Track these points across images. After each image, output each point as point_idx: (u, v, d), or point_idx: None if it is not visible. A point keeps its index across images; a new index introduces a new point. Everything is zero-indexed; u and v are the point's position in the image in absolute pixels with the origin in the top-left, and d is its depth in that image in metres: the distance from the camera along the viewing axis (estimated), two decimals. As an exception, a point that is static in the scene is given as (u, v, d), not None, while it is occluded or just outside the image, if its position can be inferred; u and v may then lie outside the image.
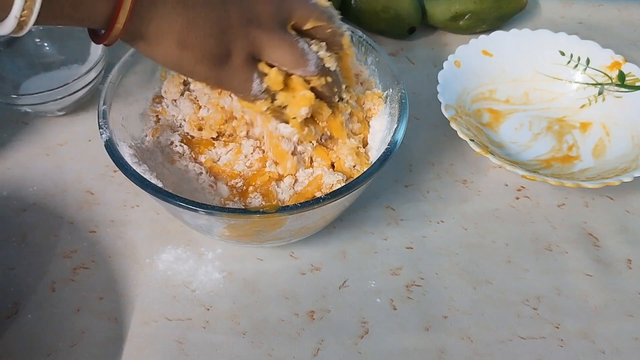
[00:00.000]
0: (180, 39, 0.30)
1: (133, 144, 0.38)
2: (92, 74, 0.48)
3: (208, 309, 0.39)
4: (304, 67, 0.34)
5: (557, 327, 0.39)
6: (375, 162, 0.35)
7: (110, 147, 0.35)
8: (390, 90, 0.41)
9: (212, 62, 0.32)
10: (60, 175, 0.47)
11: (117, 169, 0.34)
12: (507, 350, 0.38)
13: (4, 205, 0.44)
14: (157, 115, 0.42)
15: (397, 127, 0.37)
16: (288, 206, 0.32)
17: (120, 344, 0.37)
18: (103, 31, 0.29)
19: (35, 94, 0.46)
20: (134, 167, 0.34)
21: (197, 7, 0.30)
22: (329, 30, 0.36)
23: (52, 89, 0.46)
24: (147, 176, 0.34)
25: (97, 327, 0.38)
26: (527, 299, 0.41)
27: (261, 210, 0.32)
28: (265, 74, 0.34)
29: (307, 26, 0.35)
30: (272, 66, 0.34)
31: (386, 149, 0.36)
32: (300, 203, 0.32)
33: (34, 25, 0.26)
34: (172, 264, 0.41)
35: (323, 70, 0.35)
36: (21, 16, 0.25)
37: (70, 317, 0.38)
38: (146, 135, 0.40)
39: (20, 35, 0.26)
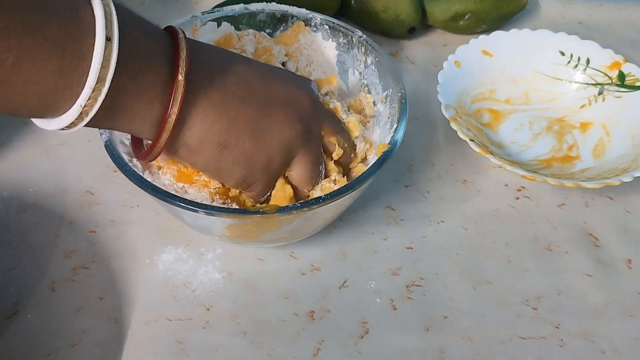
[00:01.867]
0: (221, 141, 0.31)
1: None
2: (92, 74, 0.48)
3: (208, 309, 0.39)
4: (309, 187, 0.36)
5: (557, 327, 0.39)
6: (375, 163, 0.35)
7: (110, 148, 0.35)
8: (390, 90, 0.41)
9: (249, 165, 0.32)
10: (60, 175, 0.47)
11: (117, 169, 0.34)
12: (507, 350, 0.38)
13: (4, 205, 0.44)
14: None
15: (397, 127, 0.37)
16: (288, 206, 0.32)
17: (120, 344, 0.37)
18: (149, 143, 0.30)
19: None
20: (134, 167, 0.34)
21: (237, 107, 0.31)
22: (346, 148, 0.38)
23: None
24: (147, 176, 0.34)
25: (97, 327, 0.38)
26: (527, 299, 0.41)
27: (261, 210, 0.32)
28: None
29: (332, 141, 0.37)
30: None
31: (386, 149, 0.36)
32: (300, 203, 0.32)
33: (86, 125, 0.26)
34: (172, 264, 0.41)
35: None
36: (85, 105, 0.25)
37: (70, 317, 0.38)
38: None
39: (72, 131, 0.26)
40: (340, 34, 0.44)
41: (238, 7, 0.44)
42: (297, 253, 0.42)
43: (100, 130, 0.35)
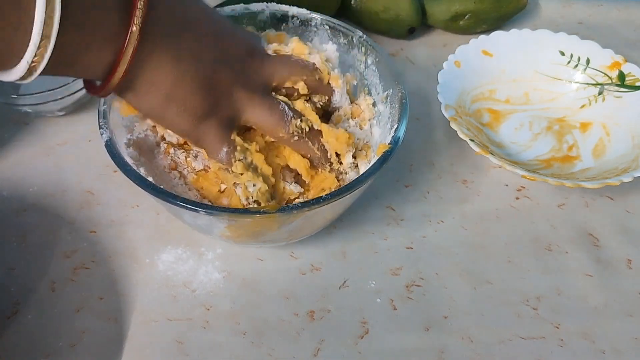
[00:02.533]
0: (168, 93, 0.31)
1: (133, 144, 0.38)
2: (92, 74, 0.48)
3: (208, 309, 0.39)
4: (281, 130, 0.36)
5: (557, 327, 0.39)
6: (375, 163, 0.35)
7: (111, 148, 0.35)
8: (391, 90, 0.41)
9: (192, 118, 0.33)
10: (60, 175, 0.47)
11: (117, 169, 0.34)
12: (507, 350, 0.38)
13: (4, 205, 0.44)
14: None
15: (397, 127, 0.37)
16: (288, 206, 0.32)
17: (120, 344, 0.37)
18: (99, 83, 0.30)
19: (35, 94, 0.46)
20: (134, 167, 0.34)
21: (188, 63, 0.31)
22: (314, 81, 0.39)
23: (52, 89, 0.46)
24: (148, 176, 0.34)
25: (97, 327, 0.38)
26: (527, 299, 0.41)
27: (262, 210, 0.32)
28: (234, 141, 0.35)
29: (288, 84, 0.37)
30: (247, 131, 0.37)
31: (386, 149, 0.36)
32: (300, 203, 0.32)
33: (40, 74, 0.26)
34: (172, 264, 0.41)
35: (302, 136, 0.37)
36: (32, 62, 0.25)
37: (70, 317, 0.38)
38: (146, 136, 0.40)
39: (27, 81, 0.26)
40: (341, 34, 0.44)
41: (239, 7, 0.44)
42: (297, 253, 0.42)
43: (101, 130, 0.35)
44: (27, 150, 0.48)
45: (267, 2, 0.45)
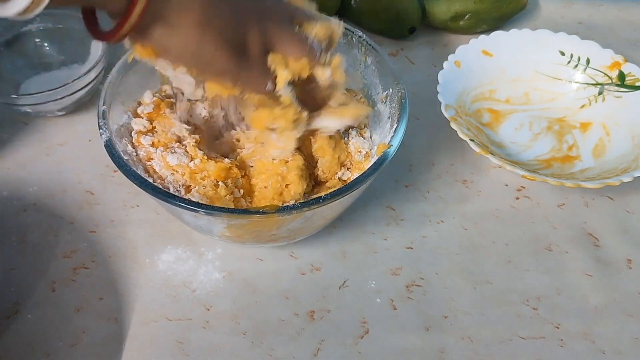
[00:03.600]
0: (202, 18, 0.27)
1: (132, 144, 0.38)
2: (92, 74, 0.48)
3: (208, 309, 0.39)
4: (312, 58, 0.34)
5: (557, 327, 0.39)
6: (375, 163, 0.35)
7: (110, 148, 0.35)
8: (390, 90, 0.41)
9: (231, 50, 0.29)
10: (60, 175, 0.47)
11: (117, 169, 0.34)
12: (507, 350, 0.38)
13: (4, 205, 0.44)
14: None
15: (397, 128, 0.37)
16: (288, 206, 0.32)
17: (120, 344, 0.37)
18: (119, 19, 0.26)
19: (35, 94, 0.46)
20: (134, 167, 0.34)
21: None
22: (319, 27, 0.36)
23: (52, 89, 0.46)
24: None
25: (97, 327, 0.38)
26: (527, 299, 0.41)
27: (261, 210, 0.32)
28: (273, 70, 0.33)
29: (307, 27, 0.35)
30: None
31: (386, 149, 0.36)
32: (300, 203, 0.32)
33: (47, 5, 0.23)
34: (172, 264, 0.41)
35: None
36: None
37: (70, 317, 0.38)
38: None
39: (32, 15, 0.23)
40: None
41: None
42: (297, 253, 0.42)
43: (100, 130, 0.35)
44: (27, 150, 0.48)
45: None
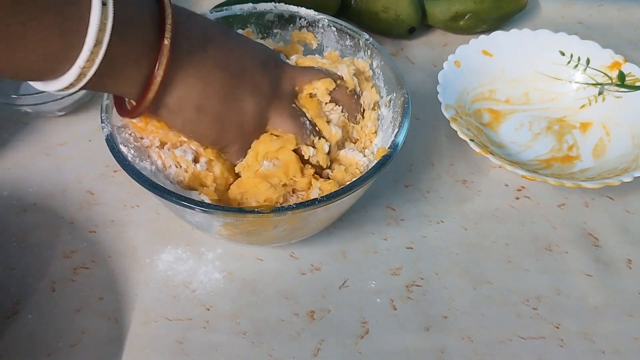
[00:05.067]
0: (198, 104, 0.33)
1: (133, 141, 0.38)
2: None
3: (208, 309, 0.39)
4: (298, 140, 0.37)
5: (557, 327, 0.39)
6: (373, 167, 0.35)
7: (111, 142, 0.34)
8: (394, 94, 0.40)
9: (221, 127, 0.35)
10: (60, 175, 0.47)
11: (117, 168, 0.34)
12: (507, 350, 0.38)
13: (4, 205, 0.44)
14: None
15: (397, 132, 0.37)
16: (283, 207, 0.32)
17: (120, 344, 0.37)
18: (134, 103, 0.32)
19: (35, 94, 0.46)
20: (134, 163, 0.34)
21: (214, 73, 0.33)
22: (339, 92, 0.40)
23: (52, 89, 0.46)
24: (147, 173, 0.34)
25: (97, 327, 0.38)
26: (527, 299, 0.41)
27: (256, 210, 0.32)
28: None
29: (307, 90, 0.38)
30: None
31: (385, 153, 0.36)
32: (295, 204, 0.32)
33: (81, 87, 0.28)
34: (172, 264, 0.41)
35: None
36: (84, 67, 0.27)
37: (70, 317, 0.38)
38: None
39: (71, 91, 0.28)
40: (347, 36, 0.44)
41: (247, 7, 0.44)
42: (297, 253, 0.42)
43: (102, 125, 0.35)
44: (27, 150, 0.48)
45: (275, 2, 0.45)
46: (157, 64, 0.30)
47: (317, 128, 0.38)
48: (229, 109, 0.34)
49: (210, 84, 0.33)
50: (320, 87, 0.39)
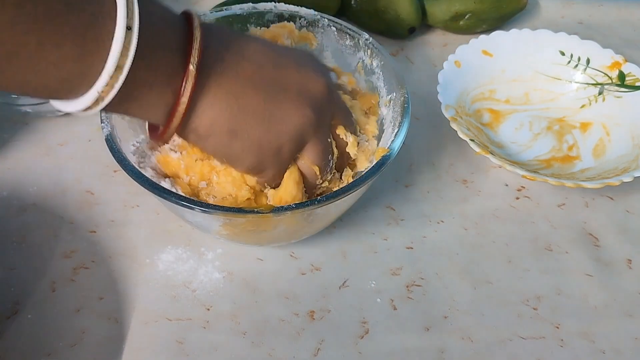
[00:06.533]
0: (231, 128, 0.31)
1: (136, 141, 0.38)
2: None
3: (208, 309, 0.39)
4: (319, 175, 0.36)
5: (557, 327, 0.39)
6: (372, 167, 0.35)
7: (111, 142, 0.34)
8: (394, 94, 0.41)
9: (258, 150, 0.32)
10: (60, 175, 0.47)
11: (117, 168, 0.34)
12: (507, 350, 0.38)
13: (4, 205, 0.44)
14: None
15: (397, 132, 0.37)
16: (282, 207, 0.32)
17: (120, 344, 0.37)
18: (161, 128, 0.30)
19: (35, 94, 0.46)
20: (134, 163, 0.34)
21: (248, 95, 0.31)
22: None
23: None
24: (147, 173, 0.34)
25: (97, 327, 0.38)
26: (527, 299, 0.41)
27: (256, 210, 0.32)
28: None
29: (340, 132, 0.36)
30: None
31: (385, 154, 0.36)
32: (295, 204, 0.32)
33: (101, 109, 0.27)
34: (172, 264, 0.41)
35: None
36: (102, 91, 0.26)
37: (70, 317, 0.38)
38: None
39: (89, 113, 0.27)
40: (347, 36, 0.44)
41: (246, 6, 0.44)
42: (297, 253, 0.42)
43: (102, 124, 0.35)
44: (27, 150, 0.48)
45: (275, 2, 0.45)
46: (182, 91, 0.28)
47: (335, 168, 0.37)
48: (267, 133, 0.32)
49: (244, 107, 0.31)
50: (353, 143, 0.37)
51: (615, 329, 0.39)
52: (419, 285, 0.41)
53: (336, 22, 0.44)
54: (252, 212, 0.32)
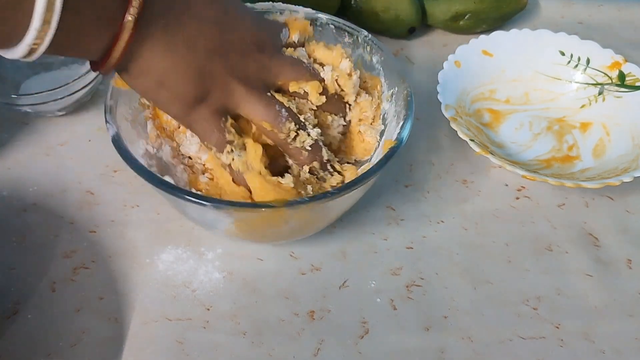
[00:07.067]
0: (159, 80, 0.32)
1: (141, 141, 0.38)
2: (92, 74, 0.48)
3: (208, 309, 0.39)
4: (274, 129, 0.36)
5: (557, 327, 0.39)
6: (382, 158, 0.35)
7: (117, 142, 0.34)
8: (396, 88, 0.41)
9: (183, 104, 0.34)
10: (60, 175, 0.47)
11: (117, 168, 0.34)
12: (507, 350, 0.38)
13: (4, 205, 0.44)
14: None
15: (402, 125, 0.38)
16: (296, 200, 0.32)
17: (120, 344, 0.37)
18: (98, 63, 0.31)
19: (35, 94, 0.46)
20: (142, 162, 0.34)
21: (182, 52, 0.32)
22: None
23: (52, 89, 0.46)
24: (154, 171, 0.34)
25: (97, 327, 0.38)
26: (527, 299, 0.41)
27: (269, 204, 0.32)
28: (230, 131, 0.35)
29: (292, 88, 0.37)
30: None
31: (393, 145, 0.36)
32: (308, 197, 0.32)
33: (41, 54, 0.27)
34: (172, 264, 0.41)
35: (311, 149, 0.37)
36: (33, 44, 0.26)
37: (70, 317, 0.38)
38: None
39: (29, 59, 0.27)
40: (346, 33, 0.44)
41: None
42: (297, 253, 0.42)
43: (107, 125, 0.35)
44: (27, 150, 0.48)
45: (272, 2, 0.45)
46: (118, 38, 0.28)
47: (296, 116, 0.37)
48: (193, 88, 0.33)
49: (177, 63, 0.32)
50: (311, 91, 0.37)
51: (615, 329, 0.39)
52: (419, 285, 0.41)
53: (334, 20, 0.44)
54: (265, 206, 0.32)
